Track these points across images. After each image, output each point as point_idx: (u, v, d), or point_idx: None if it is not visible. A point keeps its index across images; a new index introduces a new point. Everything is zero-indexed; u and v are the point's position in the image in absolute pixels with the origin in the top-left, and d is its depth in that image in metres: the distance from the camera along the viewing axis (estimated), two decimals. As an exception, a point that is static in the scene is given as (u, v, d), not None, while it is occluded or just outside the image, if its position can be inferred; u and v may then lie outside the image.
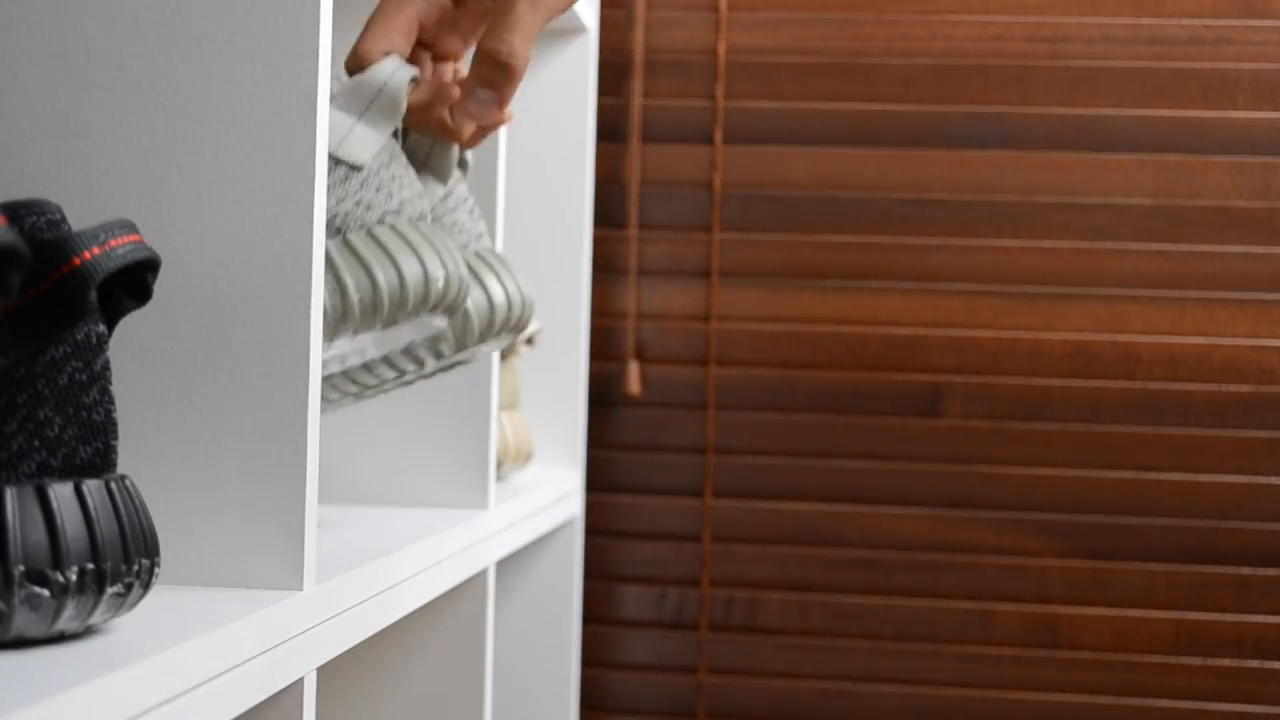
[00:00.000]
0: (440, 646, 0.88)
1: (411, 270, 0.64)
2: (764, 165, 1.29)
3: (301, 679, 0.56)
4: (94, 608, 0.44)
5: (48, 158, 0.56)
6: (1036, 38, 1.27)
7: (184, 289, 0.56)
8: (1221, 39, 1.25)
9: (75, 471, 0.46)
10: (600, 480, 1.30)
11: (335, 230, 0.65)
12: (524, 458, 1.05)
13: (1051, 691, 1.26)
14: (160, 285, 0.55)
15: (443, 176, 0.73)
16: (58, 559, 0.42)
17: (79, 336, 0.46)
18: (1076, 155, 1.26)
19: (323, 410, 0.74)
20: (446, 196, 0.73)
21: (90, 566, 0.43)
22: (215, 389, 0.56)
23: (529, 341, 1.08)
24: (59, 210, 0.46)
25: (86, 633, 0.46)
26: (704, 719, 1.30)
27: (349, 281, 0.63)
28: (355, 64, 0.68)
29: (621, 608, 1.30)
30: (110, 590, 0.44)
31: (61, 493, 0.43)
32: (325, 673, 0.88)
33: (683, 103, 1.30)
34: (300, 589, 0.56)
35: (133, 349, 0.56)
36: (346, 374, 0.70)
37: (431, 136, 0.72)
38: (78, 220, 0.55)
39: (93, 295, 0.46)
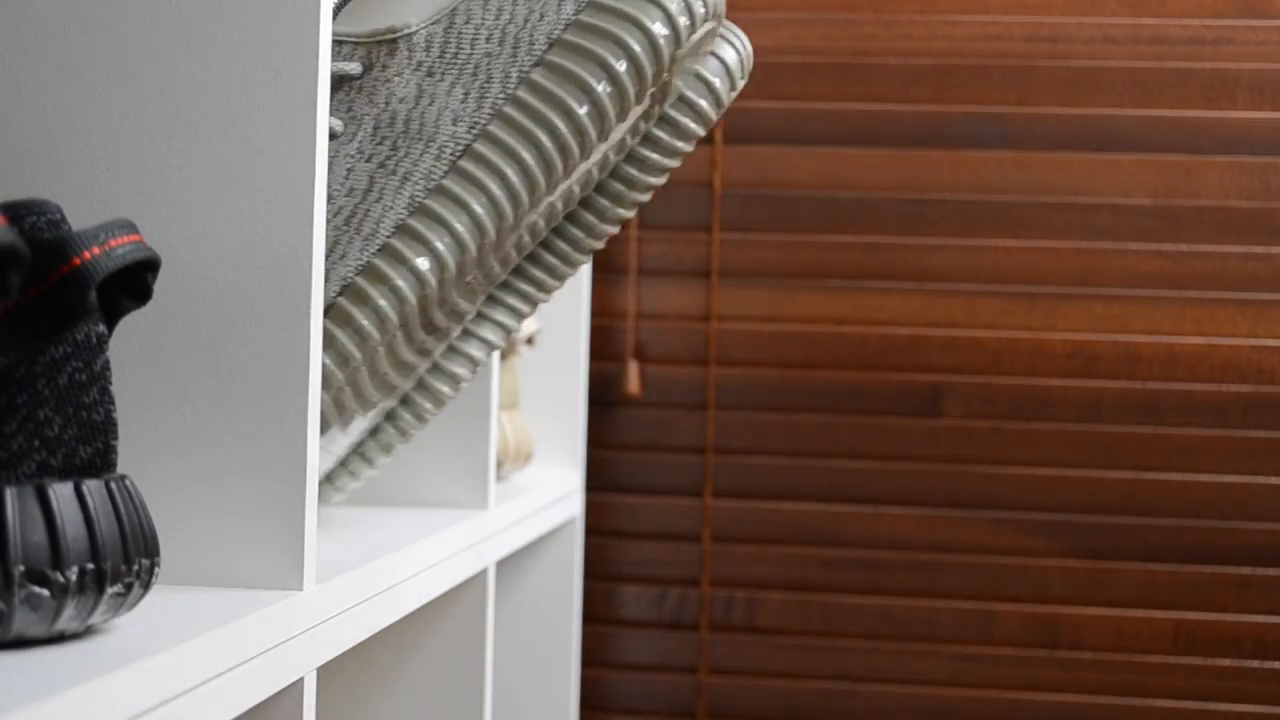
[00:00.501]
0: (440, 646, 0.88)
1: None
2: (764, 165, 1.29)
3: (301, 679, 0.56)
4: (94, 608, 0.44)
5: (48, 158, 0.56)
6: (1036, 38, 1.27)
7: (184, 289, 0.56)
8: (1221, 39, 1.25)
9: (75, 471, 0.46)
10: (600, 480, 1.30)
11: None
12: (524, 458, 1.05)
13: (1051, 691, 1.26)
14: (160, 285, 0.55)
15: None
16: (58, 559, 0.42)
17: (79, 336, 0.46)
18: (1076, 155, 1.26)
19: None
20: None
21: (90, 566, 0.43)
22: (215, 389, 0.56)
23: (529, 341, 1.08)
24: (59, 210, 0.46)
25: (86, 633, 0.46)
26: (704, 719, 1.30)
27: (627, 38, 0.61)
28: None
29: (621, 608, 1.30)
30: (110, 590, 0.44)
31: (61, 493, 0.43)
32: (325, 673, 0.88)
33: (683, 103, 1.30)
34: (300, 589, 0.56)
35: (133, 349, 0.56)
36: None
37: None
38: (78, 220, 0.55)
39: (93, 295, 0.46)
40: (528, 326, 1.05)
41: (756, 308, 1.29)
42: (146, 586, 0.46)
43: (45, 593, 0.42)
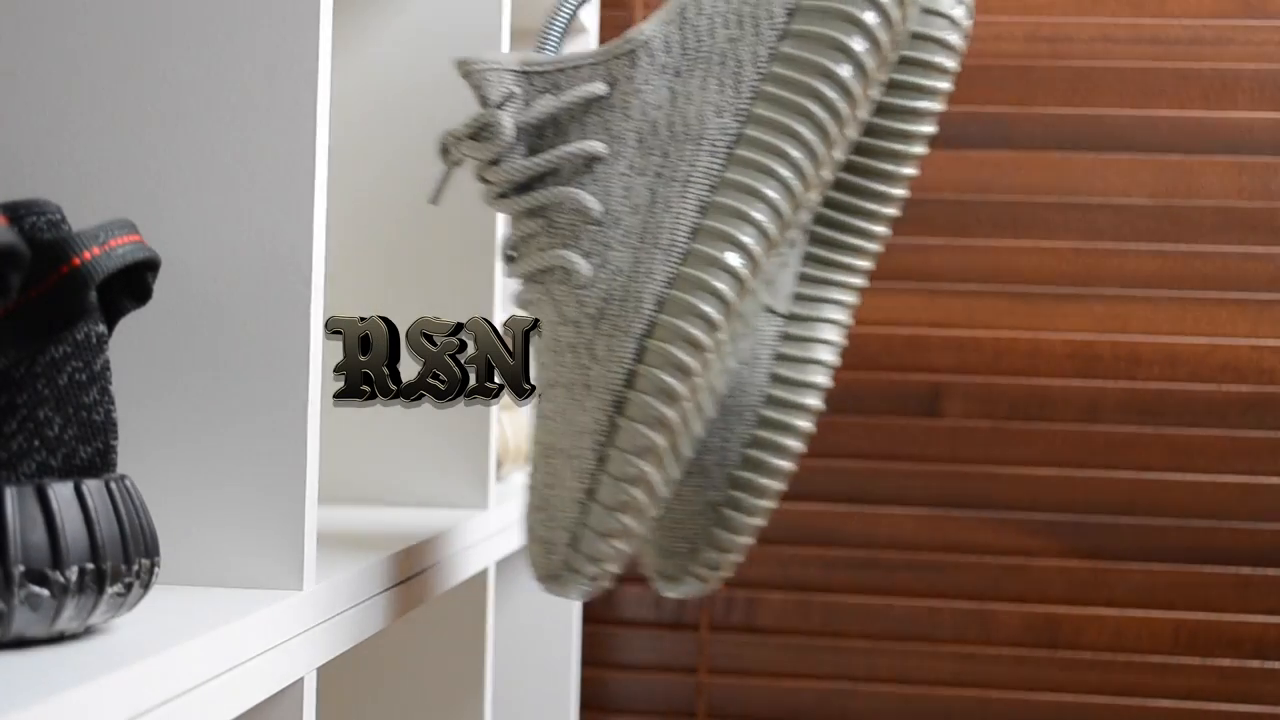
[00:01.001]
0: (440, 646, 0.88)
1: None
2: (764, 165, 1.29)
3: (301, 679, 0.56)
4: (94, 608, 0.44)
5: (48, 158, 0.56)
6: (1036, 38, 1.26)
7: (184, 289, 0.56)
8: (1221, 39, 1.25)
9: (75, 471, 0.46)
10: (600, 480, 1.30)
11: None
12: (524, 458, 1.05)
13: (1051, 691, 1.26)
14: (160, 285, 0.55)
15: None
16: (58, 559, 0.42)
17: (79, 336, 0.46)
18: (1076, 155, 1.26)
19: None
20: None
21: (90, 566, 0.43)
22: (215, 389, 0.56)
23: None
24: (59, 210, 0.46)
25: (86, 633, 0.46)
26: (704, 719, 1.30)
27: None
28: None
29: (621, 608, 1.30)
30: (110, 590, 0.44)
31: (61, 493, 0.43)
32: (325, 673, 0.88)
33: (683, 103, 1.30)
34: (300, 589, 0.56)
35: (133, 349, 0.56)
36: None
37: None
38: (78, 220, 0.55)
39: (93, 295, 0.46)
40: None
41: (756, 308, 1.29)
42: (146, 586, 0.46)
43: (45, 593, 0.42)
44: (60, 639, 0.45)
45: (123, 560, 0.44)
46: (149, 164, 0.56)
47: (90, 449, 0.46)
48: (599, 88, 0.63)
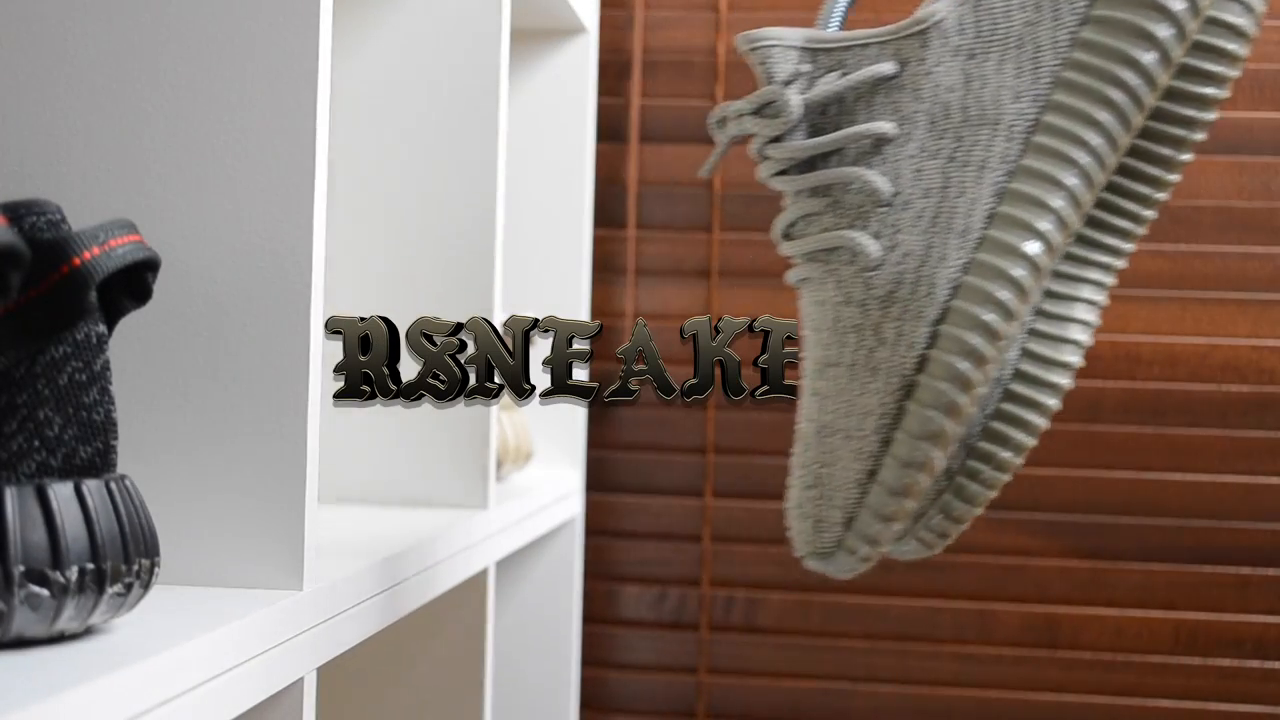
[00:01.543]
0: (440, 646, 0.88)
1: None
2: (764, 165, 1.29)
3: (301, 679, 0.56)
4: (94, 608, 0.44)
5: (48, 158, 0.56)
6: (1036, 38, 1.26)
7: (184, 289, 0.56)
8: (1221, 39, 1.25)
9: (75, 471, 0.46)
10: (600, 480, 1.30)
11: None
12: (524, 458, 1.05)
13: (1051, 691, 1.26)
14: (160, 285, 0.55)
15: None
16: (58, 559, 0.42)
17: (79, 336, 0.46)
18: (1076, 155, 1.26)
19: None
20: None
21: (90, 566, 0.43)
22: (215, 389, 0.56)
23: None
24: (59, 210, 0.46)
25: (86, 633, 0.46)
26: (704, 719, 1.30)
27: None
28: None
29: (621, 608, 1.30)
30: (110, 590, 0.44)
31: (61, 493, 0.43)
32: (325, 673, 0.88)
33: (682, 103, 1.30)
34: (300, 589, 0.56)
35: (133, 349, 0.56)
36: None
37: None
38: (78, 220, 0.55)
39: (93, 295, 0.46)
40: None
41: (756, 308, 1.29)
42: (146, 586, 0.46)
43: (45, 593, 0.42)
44: (60, 639, 0.45)
45: (123, 560, 0.44)
46: (149, 164, 0.56)
47: (90, 449, 0.46)
48: (888, 68, 0.62)
